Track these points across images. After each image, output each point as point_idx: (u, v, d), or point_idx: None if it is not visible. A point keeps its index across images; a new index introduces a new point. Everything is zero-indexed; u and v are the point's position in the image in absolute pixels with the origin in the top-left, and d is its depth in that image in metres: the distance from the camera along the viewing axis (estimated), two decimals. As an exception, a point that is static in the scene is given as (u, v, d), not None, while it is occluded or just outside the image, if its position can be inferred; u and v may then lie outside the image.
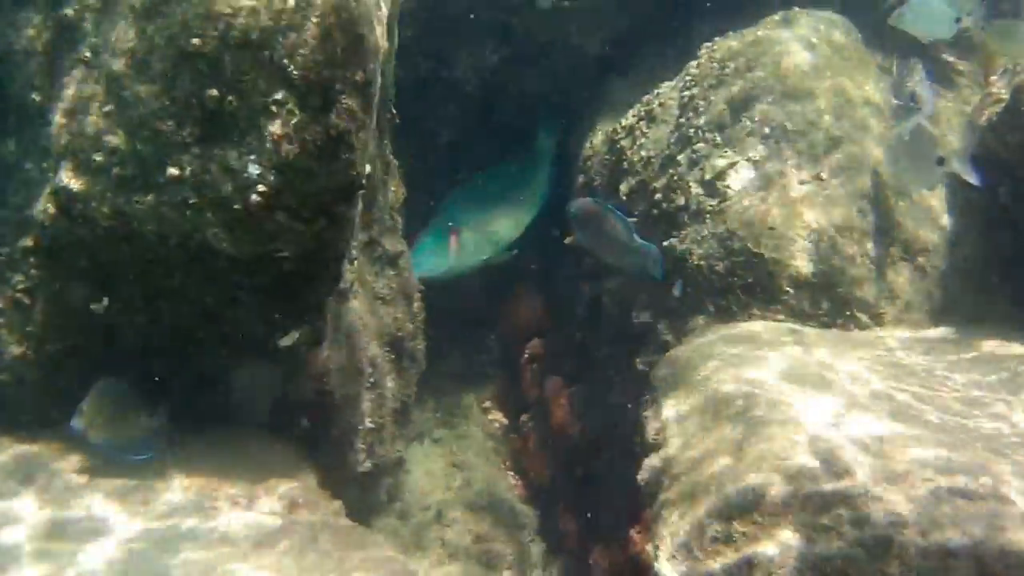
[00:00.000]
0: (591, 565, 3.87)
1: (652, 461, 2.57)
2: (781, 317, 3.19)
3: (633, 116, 3.87)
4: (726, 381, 2.59)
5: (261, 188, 2.22)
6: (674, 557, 2.17)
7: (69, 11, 2.42)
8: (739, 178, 3.36)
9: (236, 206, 2.24)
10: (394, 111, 3.63)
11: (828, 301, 3.19)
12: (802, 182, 3.30)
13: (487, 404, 4.77)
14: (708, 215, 3.35)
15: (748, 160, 3.37)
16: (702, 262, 3.30)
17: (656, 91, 3.86)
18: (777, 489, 2.16)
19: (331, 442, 3.35)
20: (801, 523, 2.10)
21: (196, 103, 2.21)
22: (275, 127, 2.19)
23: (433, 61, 4.26)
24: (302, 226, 2.30)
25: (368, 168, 3.41)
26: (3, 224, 2.60)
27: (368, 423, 3.60)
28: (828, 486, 2.13)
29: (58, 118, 2.38)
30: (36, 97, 2.48)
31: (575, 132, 4.42)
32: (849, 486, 2.12)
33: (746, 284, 3.23)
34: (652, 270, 3.34)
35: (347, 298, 3.30)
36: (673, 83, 3.82)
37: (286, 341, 2.71)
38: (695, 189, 3.43)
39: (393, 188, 3.87)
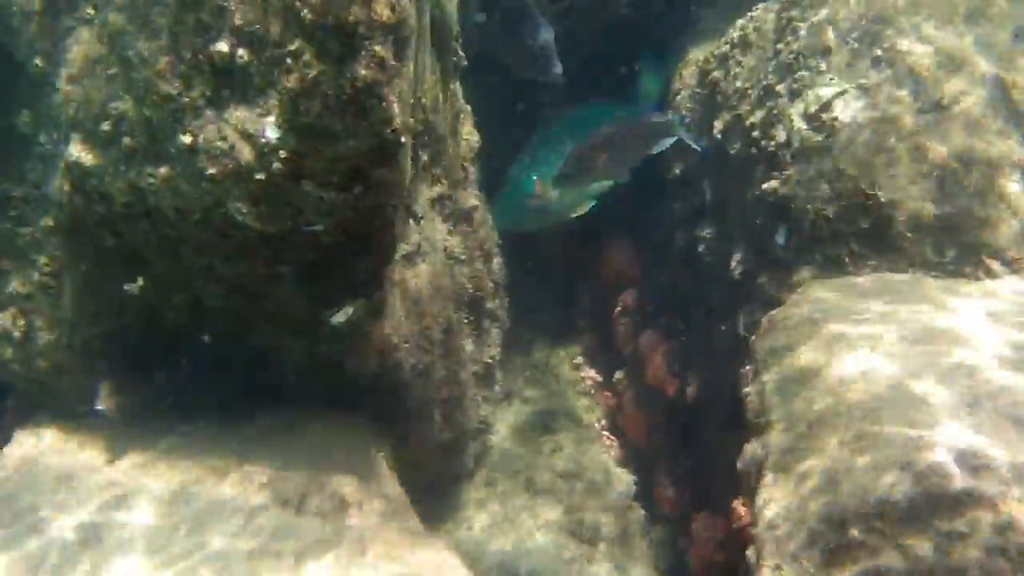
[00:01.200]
0: (692, 534, 3.57)
1: (753, 448, 2.23)
2: (901, 266, 2.79)
3: (726, 43, 3.47)
4: (839, 360, 2.21)
5: (283, 154, 1.92)
6: (779, 569, 1.85)
7: None
8: (848, 109, 2.95)
9: (258, 176, 1.95)
10: (460, 52, 3.31)
11: (954, 247, 2.78)
12: (921, 110, 2.86)
13: (578, 360, 4.47)
14: (813, 152, 2.95)
15: (857, 87, 2.95)
16: (808, 206, 2.92)
17: (750, 14, 3.44)
18: (902, 490, 1.81)
19: (405, 415, 3.12)
20: (932, 530, 1.75)
21: (204, 59, 1.92)
22: (291, 81, 1.88)
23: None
24: (334, 194, 2.01)
25: (433, 118, 3.13)
26: (24, 202, 2.38)
27: (445, 392, 3.35)
28: (962, 485, 1.77)
29: (63, 84, 2.13)
30: (39, 62, 2.22)
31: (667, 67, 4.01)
32: (988, 486, 1.76)
33: (859, 230, 2.84)
34: None
35: (414, 262, 3.03)
36: (769, 3, 3.39)
37: (339, 318, 2.44)
38: (798, 123, 3.03)
39: (465, 136, 3.57)
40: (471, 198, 3.53)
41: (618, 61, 4.10)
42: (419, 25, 2.42)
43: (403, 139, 2.03)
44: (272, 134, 1.89)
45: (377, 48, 1.90)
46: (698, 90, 3.61)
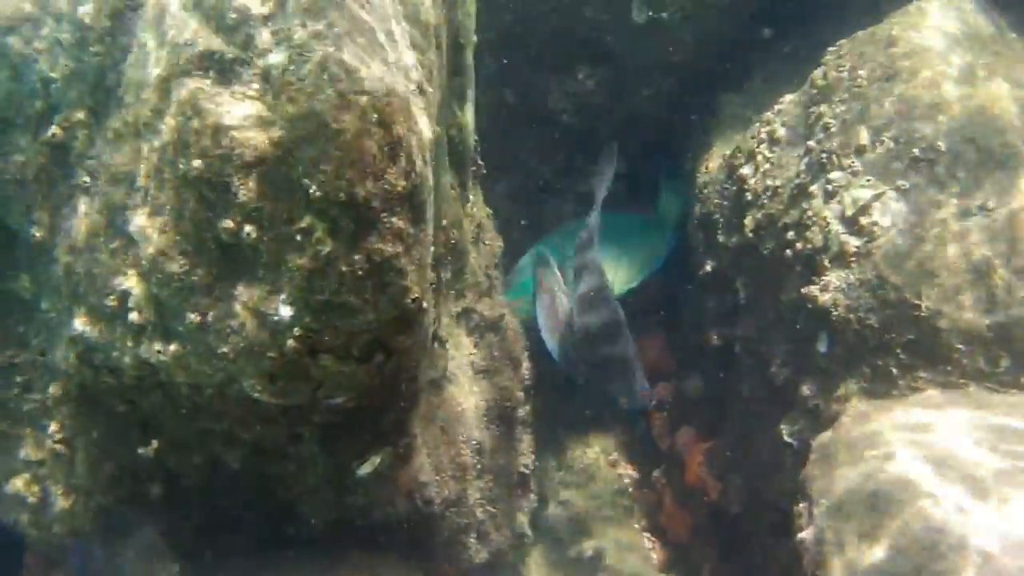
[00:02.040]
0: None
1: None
2: (953, 379, 2.64)
3: (752, 138, 3.35)
4: (907, 513, 2.06)
5: (297, 332, 1.81)
6: None
7: (56, 130, 2.04)
8: (887, 212, 2.81)
9: (271, 354, 1.83)
10: (480, 162, 3.22)
11: (1008, 356, 2.63)
12: (964, 213, 2.73)
13: (613, 457, 4.31)
14: (853, 258, 2.82)
15: (896, 190, 2.81)
16: (851, 315, 2.78)
17: (776, 107, 3.32)
18: None
19: (439, 544, 2.98)
20: None
21: (209, 237, 1.81)
22: (303, 260, 1.77)
23: (521, 92, 3.80)
24: (354, 367, 1.89)
25: (455, 234, 3.03)
26: (29, 368, 2.28)
27: (480, 514, 3.22)
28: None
29: (63, 256, 2.03)
30: (37, 233, 2.13)
31: (689, 159, 3.89)
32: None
33: (906, 341, 2.69)
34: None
35: (441, 387, 2.91)
36: (795, 96, 3.28)
37: (365, 469, 2.33)
38: (835, 226, 2.89)
39: (488, 242, 3.47)
40: (496, 307, 3.42)
41: (640, 157, 3.99)
42: (436, 156, 2.32)
43: (424, 305, 1.92)
44: (285, 312, 1.78)
45: (394, 220, 1.79)
46: (726, 185, 3.48)
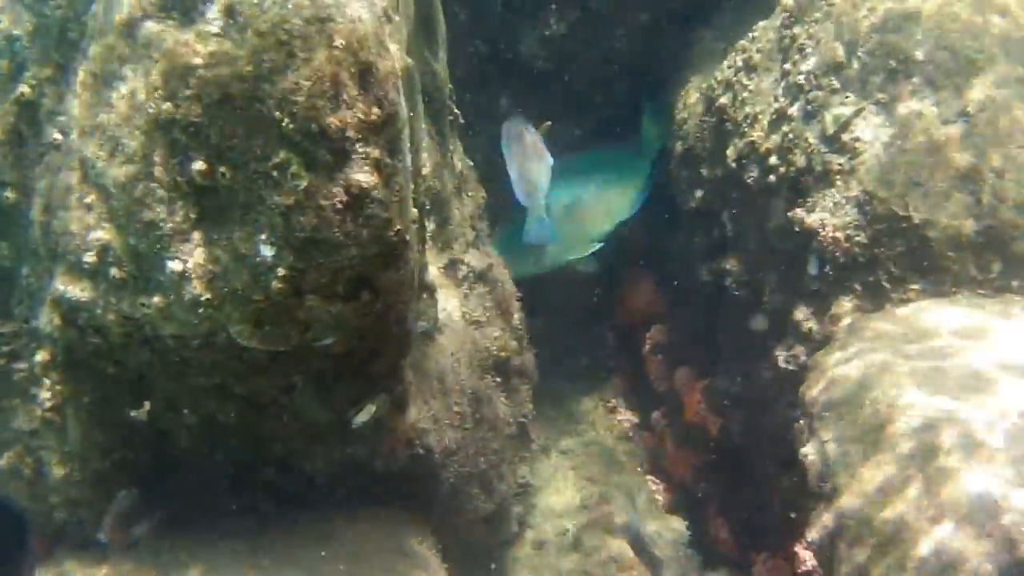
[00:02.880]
0: (755, 576, 3.43)
1: (824, 519, 2.07)
2: (945, 287, 2.63)
3: (729, 67, 3.32)
4: (908, 414, 2.04)
5: (281, 272, 1.78)
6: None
7: (24, 88, 2.00)
8: (868, 126, 2.79)
9: (256, 297, 1.80)
10: (456, 111, 3.18)
11: (1000, 261, 2.62)
12: (946, 121, 2.71)
13: (612, 403, 4.31)
14: (837, 176, 2.80)
15: (876, 103, 2.79)
16: (839, 234, 2.76)
17: (750, 34, 3.29)
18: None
19: (443, 495, 2.97)
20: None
21: (183, 181, 1.78)
22: (281, 197, 1.74)
23: (492, 42, 3.76)
24: (341, 306, 1.86)
25: (436, 183, 3.00)
26: (14, 338, 2.24)
27: (481, 463, 3.20)
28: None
29: (36, 215, 1.99)
30: (9, 195, 2.08)
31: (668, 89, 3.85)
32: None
33: (897, 254, 2.67)
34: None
35: (433, 338, 2.88)
36: (768, 22, 3.24)
37: (362, 418, 2.30)
38: (817, 146, 2.87)
39: (471, 194, 3.43)
40: (484, 257, 3.39)
41: (619, 94, 3.95)
42: (410, 94, 2.28)
43: (407, 238, 1.89)
44: (267, 252, 1.75)
45: (369, 150, 1.75)
46: (705, 118, 3.45)
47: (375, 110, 1.75)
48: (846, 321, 2.72)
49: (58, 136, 1.96)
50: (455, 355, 3.05)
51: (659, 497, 3.99)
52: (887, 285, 2.70)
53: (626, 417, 4.25)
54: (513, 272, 3.56)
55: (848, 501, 2.01)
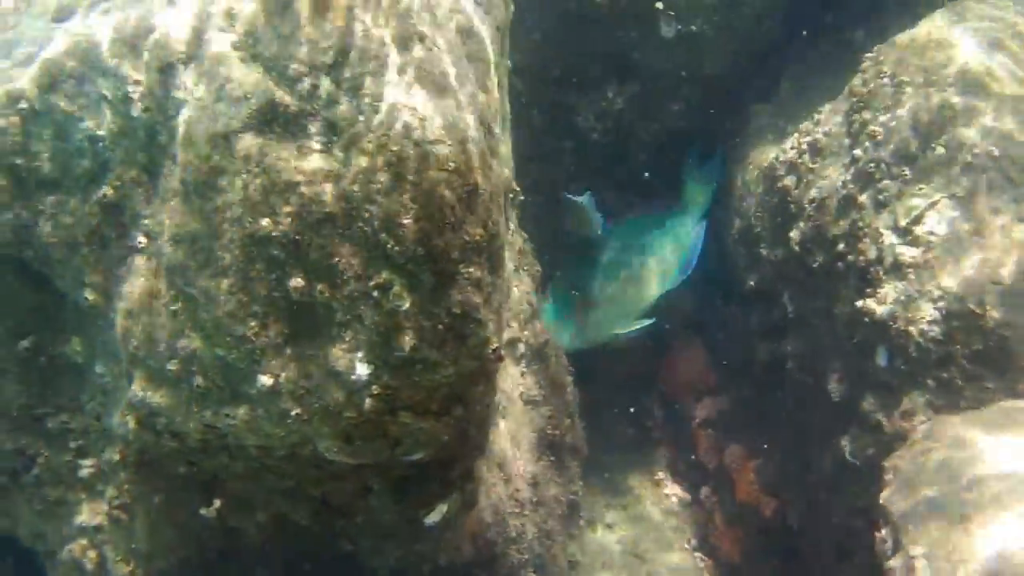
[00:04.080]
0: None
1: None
2: (1020, 387, 2.58)
3: (793, 149, 3.28)
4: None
5: (376, 390, 1.74)
6: None
7: (108, 190, 1.95)
8: (942, 220, 2.75)
9: (348, 414, 1.76)
10: (516, 187, 3.14)
11: (1079, 364, 2.57)
12: (1021, 218, 2.67)
13: (659, 476, 4.24)
14: (910, 269, 2.75)
15: (951, 197, 2.75)
16: (911, 328, 2.71)
17: (816, 116, 3.26)
18: None
19: (499, 580, 2.91)
20: None
21: (279, 296, 1.74)
22: (381, 317, 1.70)
23: (551, 113, 3.74)
24: (433, 422, 1.82)
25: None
26: (84, 434, 2.21)
27: (537, 548, 3.15)
28: None
29: (120, 320, 1.95)
30: (89, 296, 2.04)
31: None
32: None
33: (972, 352, 2.62)
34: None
35: (495, 423, 2.84)
36: (834, 105, 3.21)
37: (434, 517, 2.26)
38: (888, 237, 2.83)
39: (526, 268, 3.40)
40: (539, 333, 3.35)
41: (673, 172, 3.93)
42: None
43: (503, 354, 1.85)
44: (363, 371, 1.71)
45: (472, 271, 1.72)
46: (766, 198, 3.42)
47: (479, 231, 1.71)
48: (919, 418, 2.66)
49: (143, 240, 1.92)
50: (515, 439, 3.01)
51: (707, 575, 3.91)
52: (960, 382, 2.64)
53: (674, 492, 4.18)
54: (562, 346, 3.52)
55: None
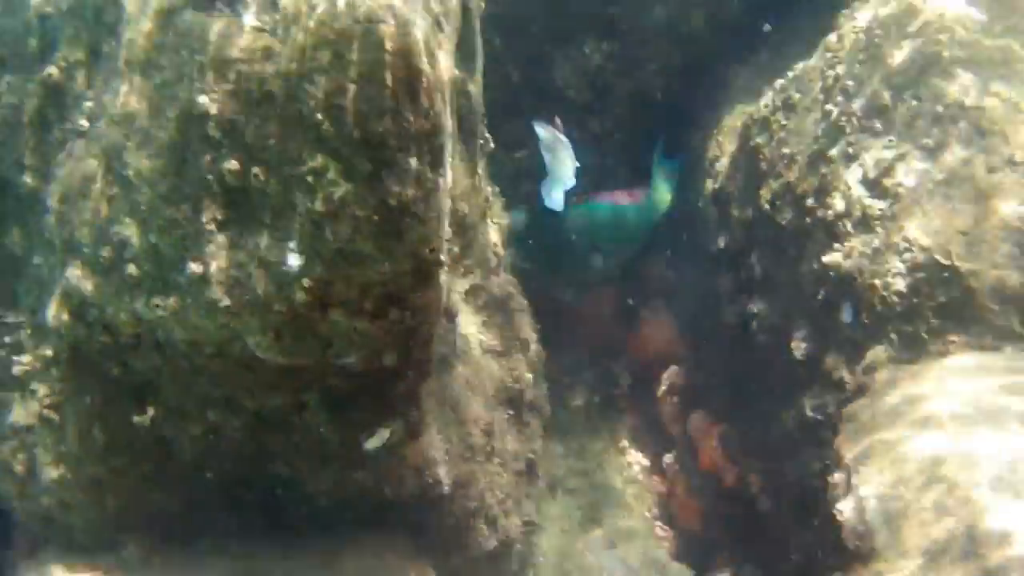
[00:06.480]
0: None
1: (863, 576, 1.95)
2: (986, 341, 2.53)
3: (766, 106, 3.24)
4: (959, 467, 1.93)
5: (307, 283, 1.67)
6: None
7: (54, 70, 1.89)
8: (910, 172, 2.70)
9: (278, 307, 1.70)
10: (487, 135, 3.10)
11: (1045, 316, 2.52)
12: (992, 169, 2.62)
13: (623, 443, 4.19)
14: (877, 222, 2.71)
15: (920, 148, 2.70)
16: (876, 280, 2.66)
17: (790, 73, 3.22)
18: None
19: (447, 528, 2.86)
20: None
21: (214, 179, 1.68)
22: (316, 204, 1.64)
23: (526, 68, 3.69)
24: (367, 324, 1.76)
25: (464, 206, 2.91)
26: (19, 329, 2.14)
27: (488, 498, 3.10)
28: None
29: (55, 204, 1.88)
30: (28, 179, 1.97)
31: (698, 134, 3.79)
32: None
33: (937, 305, 2.57)
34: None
35: (451, 365, 2.78)
36: (811, 62, 3.17)
37: (374, 443, 2.20)
38: (856, 190, 2.79)
39: (495, 220, 3.35)
40: (505, 285, 3.30)
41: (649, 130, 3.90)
42: (453, 109, 2.20)
43: (442, 257, 1.79)
44: (294, 261, 1.65)
45: (412, 162, 1.66)
46: (739, 157, 3.37)
47: (420, 120, 1.65)
48: (882, 373, 2.61)
49: (84, 123, 1.86)
50: (471, 385, 2.95)
51: (666, 544, 3.86)
52: (925, 336, 2.60)
53: (636, 459, 4.14)
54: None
55: (888, 567, 1.89)
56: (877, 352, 2.68)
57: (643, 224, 4.02)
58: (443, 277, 1.87)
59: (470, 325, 3.09)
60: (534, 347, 3.54)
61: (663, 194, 4.01)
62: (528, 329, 3.49)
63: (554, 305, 3.77)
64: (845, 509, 2.14)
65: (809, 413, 2.88)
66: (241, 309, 1.70)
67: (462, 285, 3.04)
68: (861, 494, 2.08)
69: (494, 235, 3.30)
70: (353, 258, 1.66)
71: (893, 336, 2.66)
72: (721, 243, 3.50)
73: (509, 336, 3.32)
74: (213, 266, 1.69)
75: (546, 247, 3.79)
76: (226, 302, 1.70)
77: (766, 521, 3.37)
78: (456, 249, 2.92)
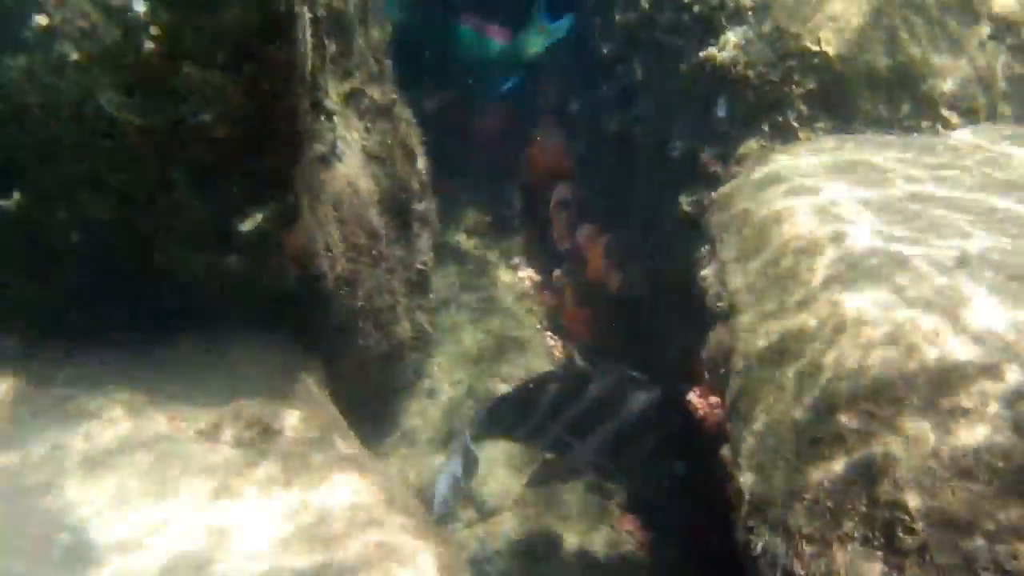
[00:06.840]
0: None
1: (719, 335, 2.03)
2: (855, 126, 2.60)
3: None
4: (802, 226, 2.00)
5: (155, 30, 1.63)
6: (762, 468, 1.66)
7: None
8: (782, -39, 2.71)
9: (128, 59, 1.66)
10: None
11: (909, 100, 2.59)
12: (862, -45, 2.64)
13: (515, 261, 4.25)
14: (750, 12, 2.72)
15: (790, -64, 2.71)
16: (749, 71, 2.69)
17: None
18: (895, 367, 1.61)
19: (334, 329, 2.88)
20: (932, 409, 1.55)
21: (51, -81, 1.61)
22: (159, -58, 1.59)
23: None
24: (220, 76, 1.72)
25: (338, 4, 2.84)
26: None
27: (376, 302, 3.12)
28: (963, 357, 1.58)
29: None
30: None
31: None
32: (990, 352, 1.57)
33: (807, 92, 2.63)
34: None
35: (330, 163, 2.76)
36: None
37: (247, 226, 2.18)
38: (733, -20, 2.78)
39: (375, 29, 3.29)
40: (389, 92, 3.26)
41: None
42: None
43: (295, 10, 1.75)
44: (140, 7, 1.60)
45: None
46: (619, -41, 3.34)
47: None
48: (751, 159, 2.67)
49: None
50: (352, 186, 2.94)
51: (556, 353, 3.96)
52: (795, 124, 2.65)
53: (528, 275, 4.20)
54: None
55: (747, 318, 1.97)
56: (749, 144, 2.73)
57: (503, 62, 4.14)
58: (301, 39, 1.83)
59: (352, 130, 3.05)
60: (421, 159, 3.53)
61: (531, 45, 4.11)
62: (415, 140, 3.47)
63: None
64: (708, 275, 2.21)
65: (686, 209, 2.94)
66: (91, 63, 1.65)
67: (341, 88, 3.00)
68: (723, 258, 2.14)
69: (376, 39, 3.25)
70: (200, 3, 1.61)
71: (764, 127, 2.70)
72: (605, 50, 3.49)
73: (394, 144, 3.30)
74: (58, 17, 1.63)
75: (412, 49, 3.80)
76: (75, 55, 1.64)
77: (649, 321, 3.46)
78: (333, 48, 2.87)
